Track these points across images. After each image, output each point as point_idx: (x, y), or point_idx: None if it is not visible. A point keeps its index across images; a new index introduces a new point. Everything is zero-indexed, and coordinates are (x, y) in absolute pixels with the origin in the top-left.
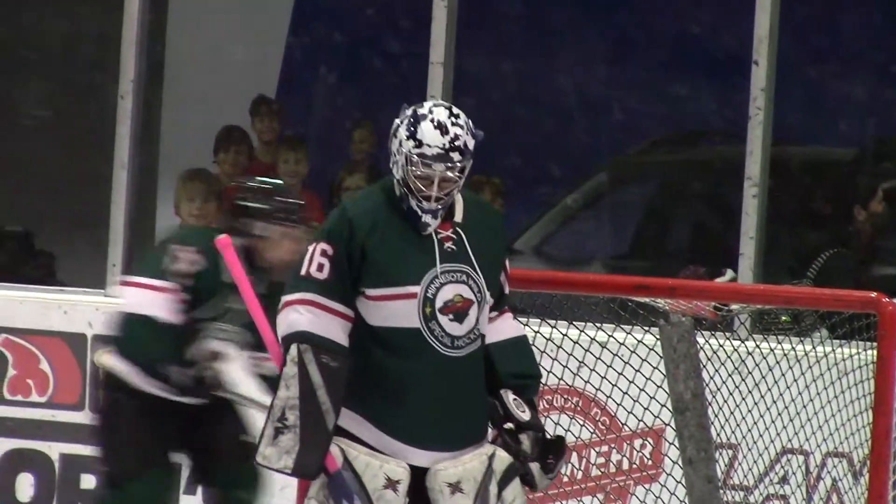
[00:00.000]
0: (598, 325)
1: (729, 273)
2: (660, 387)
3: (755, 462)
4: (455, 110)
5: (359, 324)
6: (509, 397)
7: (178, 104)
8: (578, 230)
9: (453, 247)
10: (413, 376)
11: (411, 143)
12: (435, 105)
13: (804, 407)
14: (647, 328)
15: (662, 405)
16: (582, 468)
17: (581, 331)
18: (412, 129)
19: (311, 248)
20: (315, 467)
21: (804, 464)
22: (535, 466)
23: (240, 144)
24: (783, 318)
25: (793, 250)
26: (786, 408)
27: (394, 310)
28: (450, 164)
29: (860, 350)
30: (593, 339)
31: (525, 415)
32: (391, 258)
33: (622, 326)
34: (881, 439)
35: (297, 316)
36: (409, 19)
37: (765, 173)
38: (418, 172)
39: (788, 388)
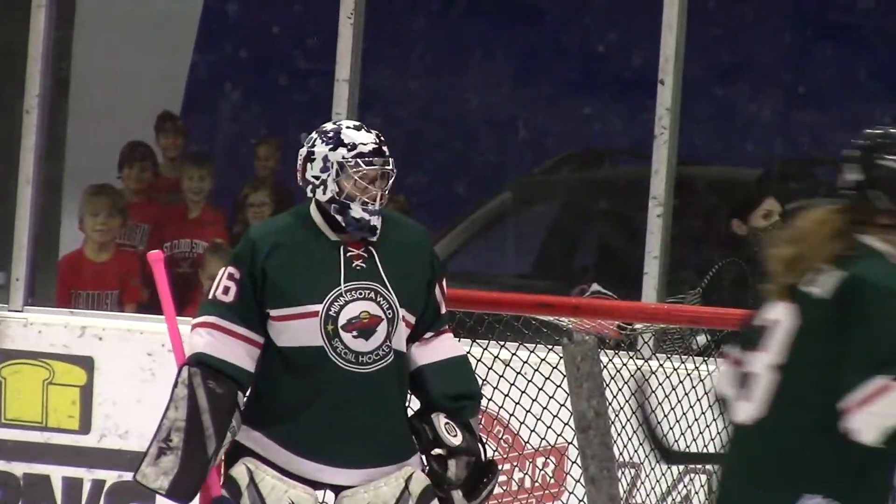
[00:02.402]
0: (502, 343)
1: (594, 286)
2: (563, 405)
3: (658, 481)
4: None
5: (269, 346)
6: (441, 421)
7: (84, 119)
8: (483, 248)
9: (362, 265)
10: (318, 394)
11: (342, 150)
12: (335, 121)
13: (707, 426)
14: (550, 346)
15: (565, 424)
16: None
17: (484, 349)
18: (334, 139)
19: (220, 273)
20: (190, 491)
21: (707, 483)
22: (457, 495)
23: (144, 160)
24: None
25: (698, 270)
26: (689, 427)
27: (296, 329)
28: (385, 160)
29: None
30: (496, 356)
31: (455, 439)
32: (291, 278)
33: (525, 345)
34: None
35: (199, 339)
36: (316, 37)
37: (669, 193)
38: (361, 173)
39: (692, 407)
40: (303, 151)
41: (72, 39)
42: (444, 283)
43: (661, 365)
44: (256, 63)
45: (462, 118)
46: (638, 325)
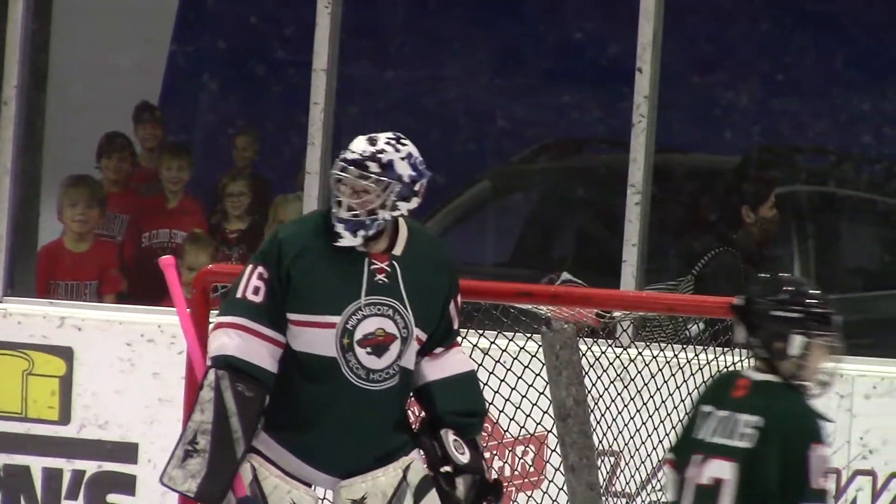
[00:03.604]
0: (480, 331)
1: (564, 275)
2: (542, 394)
3: (637, 469)
4: (404, 139)
5: (286, 348)
6: (449, 438)
7: (62, 110)
8: (461, 237)
9: (385, 279)
10: (324, 403)
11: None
12: (389, 133)
13: (686, 414)
14: (529, 335)
15: (545, 412)
16: None
17: (463, 337)
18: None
19: (247, 270)
20: (218, 493)
21: None
22: None
23: (122, 151)
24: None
25: (677, 258)
26: (668, 415)
27: (312, 336)
28: (365, 173)
29: (743, 358)
30: (475, 345)
31: (464, 457)
32: (314, 285)
33: (504, 333)
34: None
35: (227, 340)
36: (294, 27)
37: (648, 181)
38: (333, 174)
39: (671, 395)
40: None
41: (50, 30)
42: (459, 297)
43: (640, 353)
44: (234, 53)
45: (440, 108)
46: (617, 313)
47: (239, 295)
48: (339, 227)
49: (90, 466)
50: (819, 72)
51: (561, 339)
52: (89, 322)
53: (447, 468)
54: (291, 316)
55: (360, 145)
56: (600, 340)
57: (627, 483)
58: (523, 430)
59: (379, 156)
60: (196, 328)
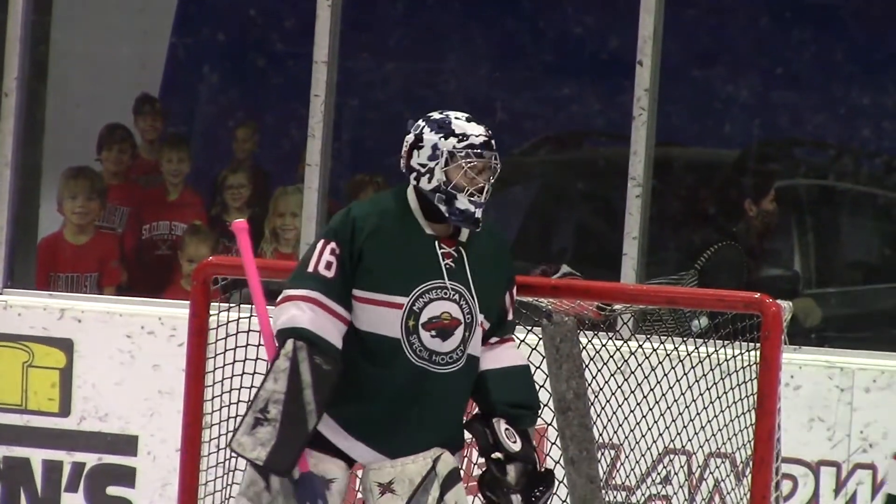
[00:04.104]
0: None
1: (564, 268)
2: (542, 386)
3: (637, 462)
4: None
5: (349, 326)
6: (501, 426)
7: (63, 102)
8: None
9: (452, 264)
10: (383, 381)
11: (454, 140)
12: (441, 111)
13: (687, 407)
14: (529, 328)
15: (545, 405)
16: (464, 468)
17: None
18: (445, 128)
19: (319, 245)
20: (287, 464)
21: (687, 464)
22: (515, 499)
23: (123, 143)
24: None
25: (677, 251)
26: (668, 408)
27: (377, 315)
28: (493, 153)
29: (743, 351)
30: None
31: (515, 445)
32: (385, 265)
33: None
34: (764, 440)
35: (298, 312)
36: (294, 19)
37: (648, 174)
38: (472, 163)
39: (671, 388)
40: (409, 138)
41: (50, 22)
42: (515, 289)
43: (640, 346)
44: (235, 46)
45: (439, 100)
46: (617, 306)
47: (311, 269)
48: (479, 212)
49: (90, 458)
50: (819, 65)
51: (561, 332)
52: (89, 314)
53: (498, 455)
54: (358, 293)
55: (476, 128)
56: (601, 333)
57: (627, 476)
58: None
59: (490, 133)
60: (197, 319)
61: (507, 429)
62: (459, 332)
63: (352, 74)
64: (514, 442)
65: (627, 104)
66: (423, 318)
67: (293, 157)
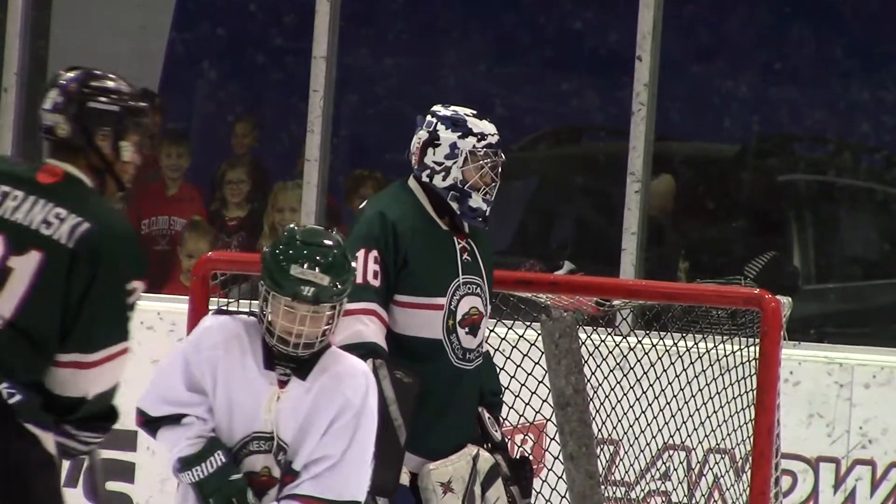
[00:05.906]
0: None
1: (567, 265)
2: (541, 382)
3: (637, 458)
4: None
5: None
6: (485, 416)
7: None
8: None
9: (468, 258)
10: (426, 386)
11: (472, 139)
12: (446, 106)
13: (686, 403)
14: (528, 323)
15: (544, 400)
16: None
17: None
18: (461, 128)
19: (361, 254)
20: (392, 484)
21: (686, 460)
22: (515, 490)
23: None
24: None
25: (675, 246)
26: (668, 404)
27: (419, 318)
28: (502, 151)
29: (742, 346)
30: None
31: (498, 434)
32: (427, 267)
33: (503, 321)
34: (763, 436)
35: (363, 327)
36: (293, 14)
37: (647, 169)
38: (492, 163)
39: (670, 383)
40: (422, 135)
41: (50, 17)
42: None
43: (639, 341)
44: (234, 41)
45: (439, 96)
46: (616, 302)
47: (360, 280)
48: (488, 210)
49: None
50: (818, 61)
51: (560, 328)
52: None
53: (486, 446)
54: (401, 297)
55: (490, 127)
56: (600, 329)
57: (627, 472)
58: (522, 418)
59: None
60: (196, 315)
61: (489, 418)
62: (483, 325)
63: (351, 70)
64: (497, 431)
65: (626, 99)
66: (459, 316)
67: (292, 153)
